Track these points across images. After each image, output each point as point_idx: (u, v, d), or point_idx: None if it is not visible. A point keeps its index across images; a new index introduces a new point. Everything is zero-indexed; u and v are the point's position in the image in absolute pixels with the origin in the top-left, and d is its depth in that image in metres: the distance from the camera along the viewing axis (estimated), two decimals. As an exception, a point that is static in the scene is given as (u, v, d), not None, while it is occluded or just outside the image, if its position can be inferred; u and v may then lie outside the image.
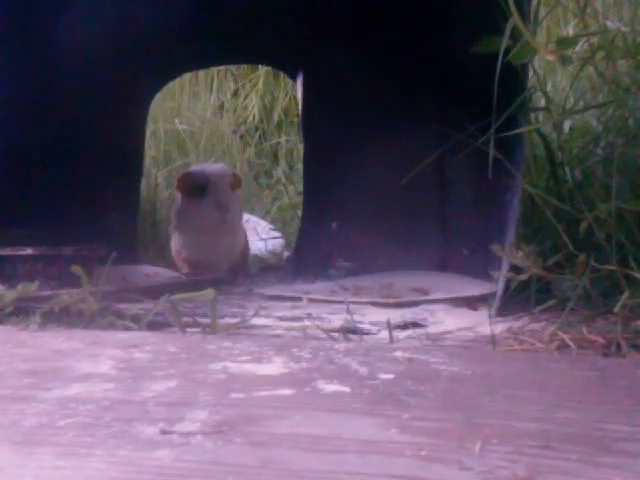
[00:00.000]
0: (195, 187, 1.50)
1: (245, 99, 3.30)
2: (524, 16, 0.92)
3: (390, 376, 0.60)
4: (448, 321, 0.96)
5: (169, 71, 1.82)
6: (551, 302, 0.88)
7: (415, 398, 0.54)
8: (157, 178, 2.33)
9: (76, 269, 0.92)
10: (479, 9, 1.05)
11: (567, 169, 1.11)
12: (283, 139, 3.12)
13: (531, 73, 1.08)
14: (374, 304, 1.13)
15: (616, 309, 0.79)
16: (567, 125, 1.30)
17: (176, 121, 2.77)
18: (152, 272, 1.52)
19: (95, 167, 1.53)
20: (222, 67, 3.17)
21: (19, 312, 0.90)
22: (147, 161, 2.18)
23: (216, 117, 3.09)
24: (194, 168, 1.63)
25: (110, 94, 1.51)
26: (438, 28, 1.43)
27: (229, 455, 0.42)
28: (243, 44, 1.65)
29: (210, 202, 1.49)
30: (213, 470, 0.40)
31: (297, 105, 2.55)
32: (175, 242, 1.59)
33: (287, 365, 0.65)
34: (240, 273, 1.58)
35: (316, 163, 1.73)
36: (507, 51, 0.91)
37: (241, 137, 3.09)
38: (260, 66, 3.18)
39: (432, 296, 1.17)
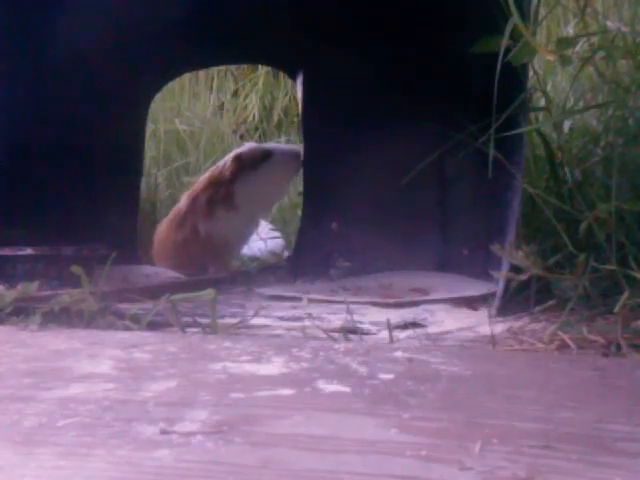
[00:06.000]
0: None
1: (245, 99, 3.30)
2: (524, 16, 0.92)
3: (390, 376, 0.60)
4: (448, 321, 0.96)
5: (169, 71, 1.82)
6: (551, 302, 0.88)
7: (415, 398, 0.54)
8: (157, 178, 2.33)
9: (76, 269, 0.92)
10: (479, 9, 1.05)
11: (567, 169, 1.11)
12: (283, 139, 3.11)
13: (531, 73, 1.07)
14: (374, 304, 1.12)
15: (616, 309, 0.79)
16: (567, 125, 1.29)
17: (176, 121, 2.77)
18: (152, 272, 1.52)
19: (95, 167, 1.53)
20: (222, 67, 3.17)
21: (19, 312, 0.90)
22: (147, 161, 2.18)
23: (216, 117, 3.08)
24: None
25: (110, 94, 1.51)
26: (438, 28, 1.43)
27: (229, 455, 0.42)
28: (243, 44, 1.64)
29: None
30: (213, 470, 0.40)
31: (297, 105, 2.55)
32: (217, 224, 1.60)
33: (287, 365, 0.65)
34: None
35: (316, 163, 1.73)
36: (507, 51, 0.91)
37: (241, 137, 3.08)
38: (260, 66, 3.18)
39: (432, 296, 1.17)
